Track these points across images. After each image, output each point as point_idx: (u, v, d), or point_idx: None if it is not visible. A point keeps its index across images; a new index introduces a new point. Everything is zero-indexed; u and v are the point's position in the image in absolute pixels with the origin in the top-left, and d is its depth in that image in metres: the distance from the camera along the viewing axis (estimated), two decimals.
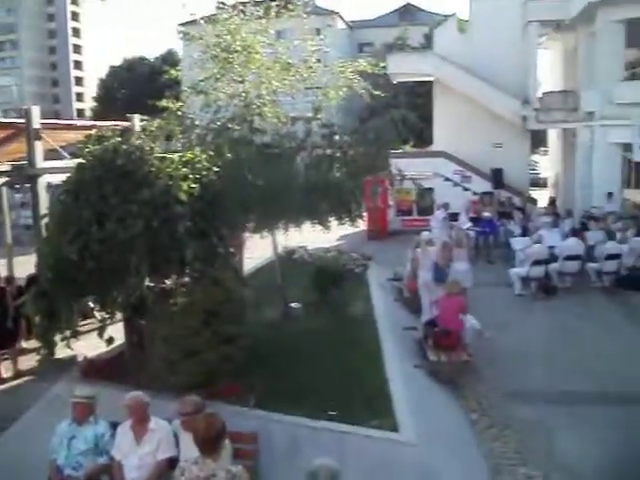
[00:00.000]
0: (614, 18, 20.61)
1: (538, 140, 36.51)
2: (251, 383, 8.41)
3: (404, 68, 27.11)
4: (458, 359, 9.82)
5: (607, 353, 10.81)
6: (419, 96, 41.50)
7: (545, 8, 24.12)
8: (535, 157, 41.87)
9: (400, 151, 26.03)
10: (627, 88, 20.89)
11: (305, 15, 12.61)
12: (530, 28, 24.69)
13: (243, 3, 12.64)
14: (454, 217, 19.74)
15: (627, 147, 20.73)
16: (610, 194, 20.16)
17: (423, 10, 62.21)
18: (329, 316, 11.76)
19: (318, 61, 12.14)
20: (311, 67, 11.68)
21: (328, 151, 11.26)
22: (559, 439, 7.99)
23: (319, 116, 11.50)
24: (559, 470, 7.34)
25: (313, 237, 14.75)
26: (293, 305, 12.26)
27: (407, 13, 62.22)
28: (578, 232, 16.19)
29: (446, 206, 19.78)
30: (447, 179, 24.02)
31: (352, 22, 64.69)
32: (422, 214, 23.18)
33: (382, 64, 14.08)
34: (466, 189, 23.91)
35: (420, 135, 35.35)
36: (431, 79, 27.43)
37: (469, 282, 12.58)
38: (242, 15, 12.07)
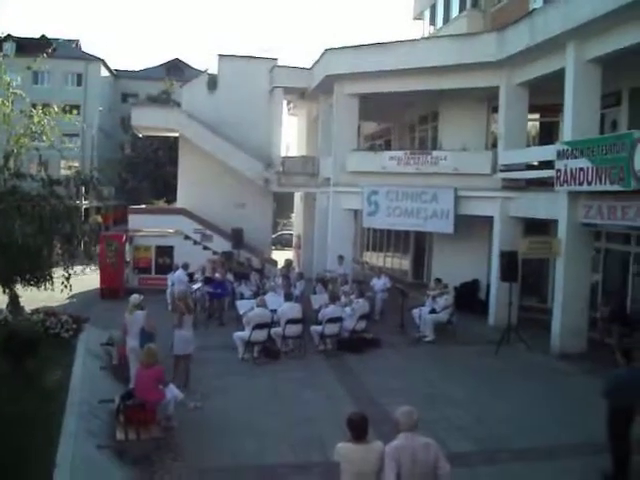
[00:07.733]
0: (349, 92, 21.81)
1: None
2: None
3: (146, 122, 26.46)
4: (149, 435, 8.98)
5: (317, 418, 10.69)
6: None
7: (289, 76, 25.11)
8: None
9: (142, 207, 25.21)
10: (357, 157, 22.07)
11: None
12: (275, 93, 25.45)
13: None
14: (191, 277, 19.19)
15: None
16: (341, 257, 20.84)
17: (191, 67, 62.39)
18: (15, 390, 10.34)
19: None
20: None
21: (24, 204, 10.09)
22: None
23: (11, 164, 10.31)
24: None
25: (43, 296, 13.91)
26: None
27: (174, 68, 62.10)
28: (290, 296, 16.06)
29: (185, 266, 19.16)
30: (187, 237, 23.52)
31: (117, 71, 63.07)
32: (161, 272, 22.32)
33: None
34: (206, 248, 23.56)
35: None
36: (177, 135, 27.04)
37: (191, 348, 12.28)
38: None
